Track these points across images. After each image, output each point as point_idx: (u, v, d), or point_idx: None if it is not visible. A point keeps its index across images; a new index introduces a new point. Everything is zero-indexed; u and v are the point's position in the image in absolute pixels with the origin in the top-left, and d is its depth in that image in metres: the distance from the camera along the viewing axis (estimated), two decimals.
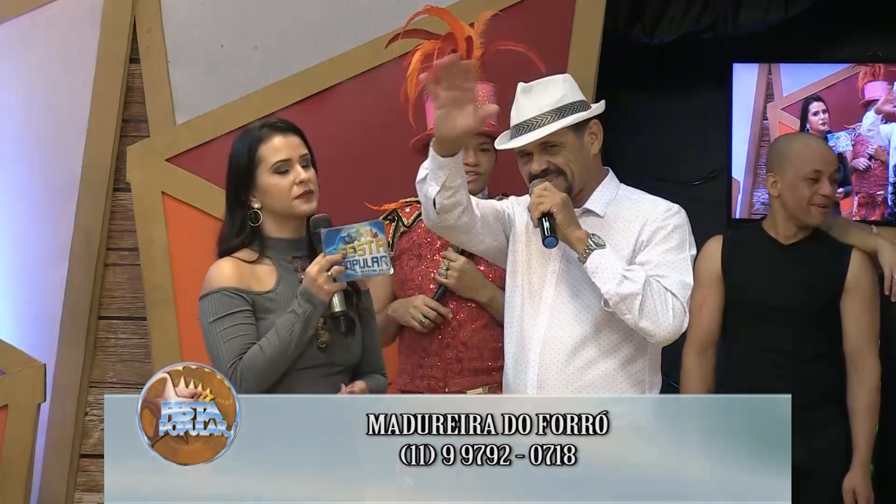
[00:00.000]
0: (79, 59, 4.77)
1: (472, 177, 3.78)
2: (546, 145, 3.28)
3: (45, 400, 4.57)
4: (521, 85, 3.35)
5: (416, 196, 3.94)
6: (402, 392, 3.86)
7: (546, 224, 3.22)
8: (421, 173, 3.29)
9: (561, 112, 3.28)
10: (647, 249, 3.26)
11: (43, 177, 4.79)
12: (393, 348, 3.99)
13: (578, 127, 3.30)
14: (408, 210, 3.94)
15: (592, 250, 3.19)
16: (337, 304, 3.20)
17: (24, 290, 4.78)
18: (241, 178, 3.23)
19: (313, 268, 3.16)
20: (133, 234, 4.68)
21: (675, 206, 3.37)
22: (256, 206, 3.23)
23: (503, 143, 3.38)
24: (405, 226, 3.92)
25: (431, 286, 3.82)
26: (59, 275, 4.76)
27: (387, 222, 3.93)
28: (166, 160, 4.61)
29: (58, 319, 4.76)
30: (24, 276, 4.79)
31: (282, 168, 3.22)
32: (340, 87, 4.55)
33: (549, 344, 3.24)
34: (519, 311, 3.33)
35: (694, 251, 3.34)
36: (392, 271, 3.29)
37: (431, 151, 3.22)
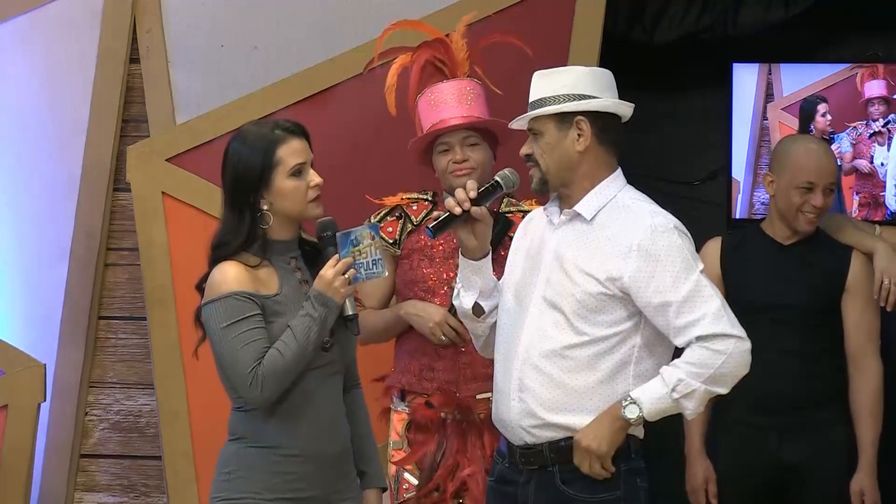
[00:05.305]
0: (79, 59, 4.77)
1: (465, 172, 3.78)
2: (531, 131, 3.26)
3: (45, 400, 4.57)
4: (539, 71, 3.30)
5: (418, 192, 3.95)
6: (404, 391, 3.86)
7: (442, 219, 3.23)
8: (455, 293, 3.39)
9: (553, 101, 3.19)
10: (654, 288, 3.11)
11: (43, 177, 4.80)
12: (389, 344, 3.97)
13: (563, 120, 3.20)
14: (415, 208, 3.92)
15: (629, 403, 3.10)
16: (349, 308, 3.21)
17: (24, 290, 4.79)
18: (252, 179, 3.18)
19: (328, 271, 3.16)
20: (133, 234, 4.68)
21: (660, 221, 3.17)
22: (265, 207, 3.21)
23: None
24: (413, 224, 3.90)
25: (445, 289, 3.81)
26: (59, 275, 4.76)
27: (393, 219, 3.91)
28: (166, 160, 4.60)
29: (58, 319, 4.76)
30: (24, 276, 4.79)
31: (298, 171, 3.21)
32: (340, 87, 4.55)
33: (531, 351, 3.21)
34: (509, 318, 3.31)
35: (700, 265, 3.16)
36: (387, 274, 3.32)
37: (462, 259, 3.31)
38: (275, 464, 3.17)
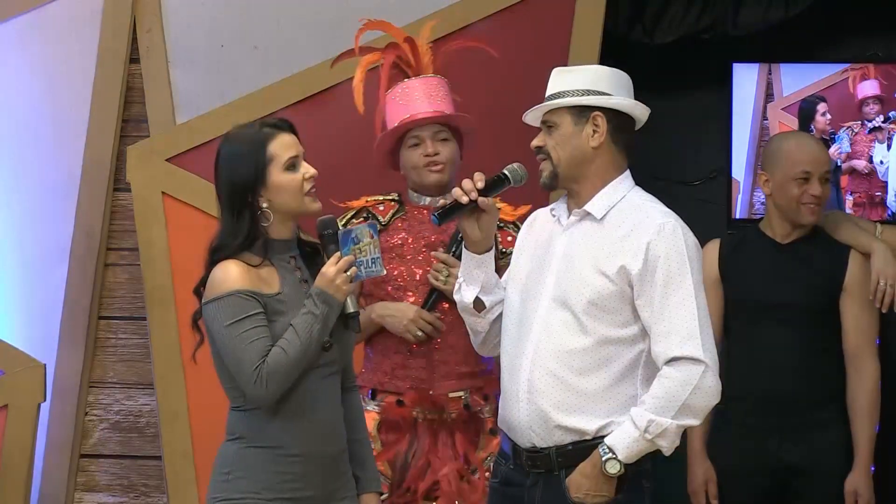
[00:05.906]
0: (79, 59, 4.78)
1: (438, 167, 3.77)
2: (546, 124, 3.26)
3: (45, 400, 4.58)
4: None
5: (383, 195, 3.92)
6: (376, 391, 3.83)
7: (448, 207, 3.23)
8: (455, 287, 3.38)
9: (572, 95, 3.20)
10: (646, 286, 3.12)
11: (43, 177, 4.80)
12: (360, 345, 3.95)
13: (580, 114, 3.21)
14: (381, 208, 3.89)
15: (607, 456, 3.10)
16: (350, 305, 3.21)
17: (24, 290, 4.79)
18: (247, 179, 3.17)
19: (330, 269, 3.16)
20: (133, 234, 4.68)
21: (669, 222, 3.18)
22: (264, 205, 3.21)
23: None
24: (381, 224, 3.86)
25: (416, 286, 3.79)
26: (59, 275, 4.77)
27: (359, 220, 3.85)
28: (166, 160, 4.61)
29: (58, 319, 4.77)
30: (24, 276, 4.79)
31: (292, 164, 3.21)
32: (340, 87, 4.55)
33: (540, 352, 3.21)
34: (515, 318, 3.31)
35: (698, 276, 3.15)
36: (385, 272, 3.33)
37: (465, 253, 3.30)
38: (274, 463, 3.16)
